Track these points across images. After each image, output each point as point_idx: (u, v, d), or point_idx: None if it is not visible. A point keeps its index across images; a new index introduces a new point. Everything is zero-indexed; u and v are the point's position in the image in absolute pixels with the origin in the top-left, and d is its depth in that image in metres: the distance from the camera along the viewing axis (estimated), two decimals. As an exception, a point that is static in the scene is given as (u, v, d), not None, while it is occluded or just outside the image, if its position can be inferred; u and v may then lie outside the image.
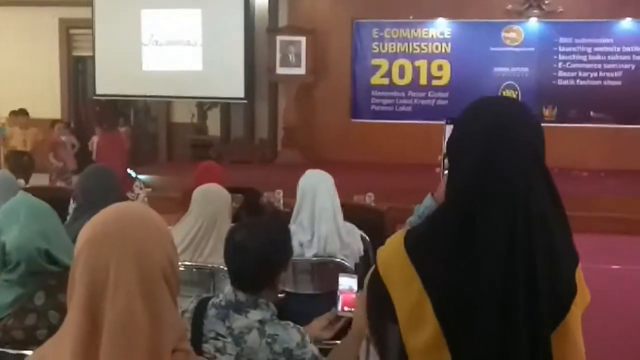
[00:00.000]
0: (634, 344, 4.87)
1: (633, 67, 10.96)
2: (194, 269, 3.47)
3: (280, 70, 11.31)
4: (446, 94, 11.43)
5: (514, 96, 11.13)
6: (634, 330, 5.12)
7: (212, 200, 3.41)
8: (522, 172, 1.39)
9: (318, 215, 3.50)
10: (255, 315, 2.15)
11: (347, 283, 2.46)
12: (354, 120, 11.84)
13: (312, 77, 11.41)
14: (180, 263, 3.34)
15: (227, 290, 2.22)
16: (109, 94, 11.67)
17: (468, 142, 1.43)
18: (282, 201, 5.96)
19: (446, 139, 2.29)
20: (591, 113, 11.07)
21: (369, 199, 5.81)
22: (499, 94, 11.16)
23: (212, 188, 3.51)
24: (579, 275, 1.46)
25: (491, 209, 1.38)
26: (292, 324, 2.20)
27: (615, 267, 6.92)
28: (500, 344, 1.35)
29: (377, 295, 1.53)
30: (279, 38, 11.25)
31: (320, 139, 11.53)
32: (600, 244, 7.62)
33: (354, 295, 2.40)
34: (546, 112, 11.13)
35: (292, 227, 3.49)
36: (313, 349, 2.16)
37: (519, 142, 1.39)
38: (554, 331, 1.38)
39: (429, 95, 11.55)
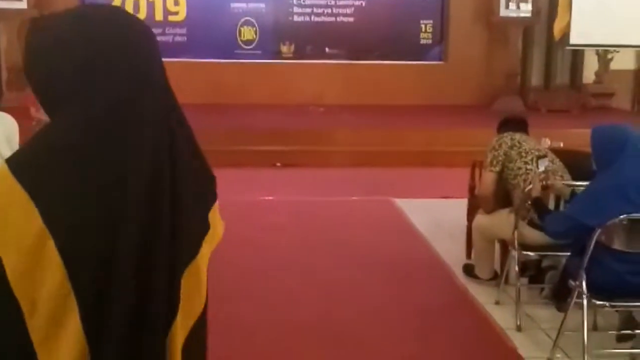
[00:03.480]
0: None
1: (364, 3, 11.35)
2: None
3: (-1, 4, 10.21)
4: (184, 30, 11.06)
5: (252, 33, 11.11)
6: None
7: None
8: (142, 81, 1.20)
9: None
10: None
11: None
12: (87, 58, 11.04)
13: (36, 11, 10.41)
14: None
15: None
16: None
17: (69, 49, 1.17)
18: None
19: None
20: (326, 49, 11.36)
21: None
22: (237, 30, 11.03)
23: None
24: (214, 211, 1.36)
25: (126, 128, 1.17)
26: None
27: (355, 198, 7.28)
28: (138, 292, 1.17)
29: None
30: (-5, -33, 10.12)
31: (50, 80, 10.62)
32: (338, 176, 7.96)
33: None
34: (284, 48, 11.22)
35: None
36: None
37: (130, 46, 1.20)
38: (185, 271, 1.27)
39: (166, 31, 11.08)
